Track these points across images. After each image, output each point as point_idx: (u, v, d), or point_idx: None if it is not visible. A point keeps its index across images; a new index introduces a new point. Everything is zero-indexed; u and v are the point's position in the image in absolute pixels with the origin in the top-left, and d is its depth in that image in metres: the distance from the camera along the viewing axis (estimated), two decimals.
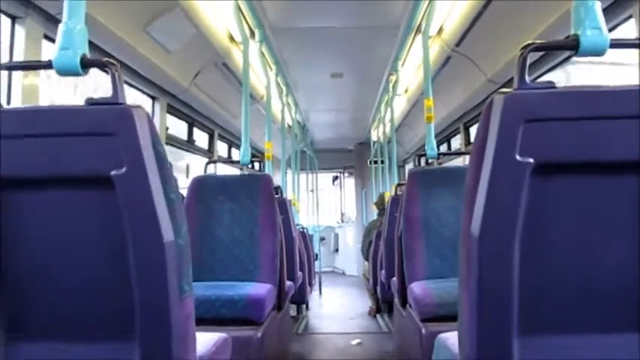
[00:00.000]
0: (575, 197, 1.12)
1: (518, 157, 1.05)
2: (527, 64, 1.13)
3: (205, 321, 2.31)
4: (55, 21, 2.51)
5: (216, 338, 1.58)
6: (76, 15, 1.24)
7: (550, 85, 1.10)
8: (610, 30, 2.48)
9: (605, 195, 1.12)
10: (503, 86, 3.96)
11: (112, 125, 1.11)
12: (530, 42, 1.14)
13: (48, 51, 2.59)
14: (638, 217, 1.11)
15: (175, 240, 1.18)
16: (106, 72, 1.19)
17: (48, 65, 1.21)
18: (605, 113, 1.07)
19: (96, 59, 1.24)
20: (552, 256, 1.14)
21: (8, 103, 2.39)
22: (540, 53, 3.21)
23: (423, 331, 2.39)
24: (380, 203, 6.46)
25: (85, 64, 1.22)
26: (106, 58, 1.21)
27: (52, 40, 2.60)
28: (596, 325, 1.16)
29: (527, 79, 1.12)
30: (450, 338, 1.45)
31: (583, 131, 1.07)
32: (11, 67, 1.88)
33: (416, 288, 2.60)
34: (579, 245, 1.14)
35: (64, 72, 1.22)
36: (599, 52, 1.14)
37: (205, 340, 1.52)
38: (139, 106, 1.15)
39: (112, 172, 1.10)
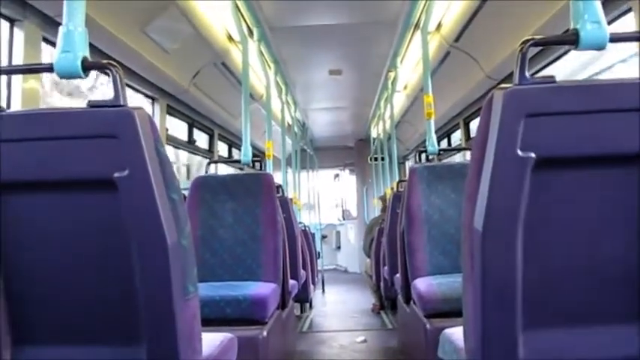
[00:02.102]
0: (576, 191, 1.12)
1: (519, 152, 1.06)
2: (527, 59, 1.13)
3: (210, 321, 2.31)
4: (53, 23, 2.50)
5: (222, 338, 1.59)
6: (76, 17, 1.23)
7: (550, 79, 1.10)
8: (609, 24, 2.48)
9: (607, 188, 1.12)
10: (502, 81, 3.96)
11: (114, 127, 1.12)
12: (529, 37, 1.14)
13: (47, 54, 2.59)
14: (638, 210, 1.11)
15: (179, 241, 1.18)
16: (107, 74, 1.19)
17: (49, 68, 1.21)
18: (605, 107, 1.07)
19: (97, 62, 1.24)
20: (555, 249, 1.14)
21: (8, 107, 2.39)
22: (539, 48, 3.21)
23: (428, 326, 2.39)
24: (383, 199, 6.46)
25: (86, 67, 1.22)
26: (107, 60, 1.21)
27: (51, 43, 2.60)
28: (600, 318, 1.17)
29: (527, 74, 1.12)
30: (455, 333, 1.46)
31: (584, 125, 1.08)
32: (12, 70, 1.87)
33: (419, 284, 2.60)
34: (582, 238, 1.14)
35: (65, 75, 1.21)
36: (599, 47, 1.14)
37: (211, 340, 1.52)
38: (140, 108, 1.16)
39: (115, 175, 1.10)
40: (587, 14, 1.12)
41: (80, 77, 1.22)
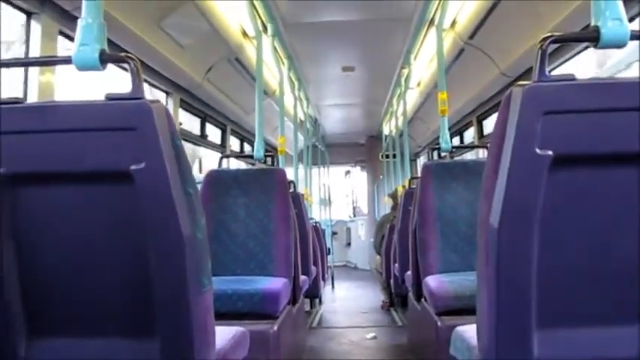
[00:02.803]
0: (594, 189, 1.11)
1: (537, 150, 1.05)
2: (547, 56, 1.12)
3: (221, 315, 2.32)
4: (70, 17, 2.52)
5: (234, 332, 1.59)
6: (94, 11, 1.24)
7: (570, 77, 1.09)
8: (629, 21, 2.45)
9: (624, 187, 1.11)
10: (517, 79, 3.93)
11: (132, 120, 1.12)
12: (549, 34, 1.13)
13: (64, 47, 2.61)
14: None
15: (194, 234, 1.18)
16: (125, 68, 1.20)
17: (67, 61, 1.23)
18: (624, 105, 1.06)
19: (115, 54, 1.25)
20: (571, 248, 1.14)
21: (25, 99, 2.40)
22: (555, 45, 3.18)
23: (439, 324, 2.39)
24: (394, 196, 6.45)
25: (104, 60, 1.23)
26: (124, 53, 1.22)
27: (68, 36, 2.62)
28: (616, 318, 1.16)
29: (547, 71, 1.11)
30: (468, 331, 1.45)
31: (602, 123, 1.07)
32: (30, 62, 1.89)
33: (431, 282, 2.59)
34: (598, 237, 1.13)
35: (83, 67, 1.23)
36: (620, 44, 1.13)
37: (224, 333, 1.53)
38: (157, 101, 1.16)
39: (132, 167, 1.11)
40: (608, 11, 1.11)
41: (98, 70, 1.23)
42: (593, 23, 1.13)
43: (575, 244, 1.14)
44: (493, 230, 1.09)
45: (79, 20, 1.24)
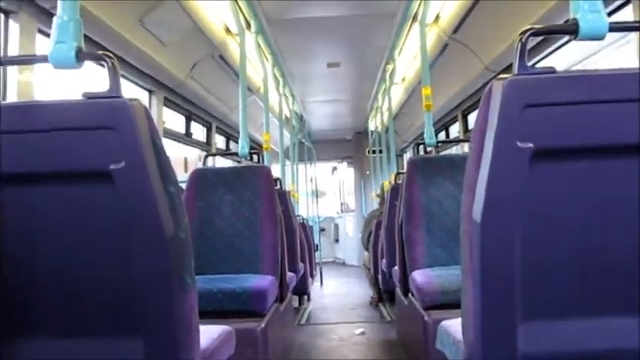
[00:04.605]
0: (575, 181, 1.12)
1: (518, 143, 1.05)
2: (527, 49, 1.12)
3: (208, 314, 2.31)
4: (49, 15, 2.49)
5: (220, 331, 1.59)
6: (70, 8, 1.23)
7: (550, 70, 1.10)
8: (609, 14, 2.47)
9: (605, 178, 1.12)
10: (501, 73, 3.95)
11: (111, 119, 1.11)
12: (529, 27, 1.13)
13: (43, 46, 2.57)
14: (638, 200, 1.11)
15: (176, 233, 1.17)
16: (102, 65, 1.18)
17: (44, 59, 1.21)
18: (605, 97, 1.07)
19: (92, 52, 1.24)
20: (554, 240, 1.14)
21: (4, 99, 2.37)
22: (538, 39, 3.20)
23: (426, 318, 2.40)
24: (382, 192, 6.46)
25: (81, 58, 1.21)
26: (102, 51, 1.20)
27: (47, 35, 2.58)
28: (599, 309, 1.16)
29: (527, 64, 1.11)
30: (454, 325, 1.46)
31: (583, 116, 1.07)
32: (6, 62, 1.86)
33: (418, 276, 2.60)
34: (580, 229, 1.14)
35: (59, 66, 1.21)
36: (598, 36, 1.14)
37: (209, 332, 1.52)
38: (136, 100, 1.15)
39: (111, 167, 1.09)
40: (587, 4, 1.12)
41: (75, 68, 1.21)
42: (572, 16, 1.14)
43: (557, 237, 1.14)
44: (476, 224, 1.09)
45: (54, 18, 1.22)
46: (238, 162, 5.88)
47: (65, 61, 1.20)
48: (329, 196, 11.77)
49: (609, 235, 1.14)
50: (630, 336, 1.15)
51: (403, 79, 6.46)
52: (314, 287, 6.78)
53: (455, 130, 5.97)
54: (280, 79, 6.07)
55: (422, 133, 3.66)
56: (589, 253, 1.14)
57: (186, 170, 6.10)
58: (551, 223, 1.14)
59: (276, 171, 5.29)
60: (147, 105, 4.04)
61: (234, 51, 4.48)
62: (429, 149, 3.59)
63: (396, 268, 3.34)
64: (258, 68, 5.28)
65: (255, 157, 3.69)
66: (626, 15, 2.49)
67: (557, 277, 1.16)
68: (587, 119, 1.07)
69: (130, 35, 3.14)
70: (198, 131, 5.48)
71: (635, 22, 1.21)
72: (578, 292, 1.17)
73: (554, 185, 1.12)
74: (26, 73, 2.46)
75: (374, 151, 8.68)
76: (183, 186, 3.11)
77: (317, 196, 10.03)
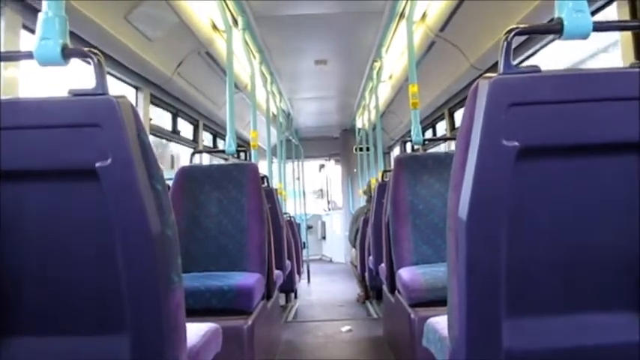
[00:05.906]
0: (560, 179, 1.13)
1: (504, 142, 1.06)
2: (512, 48, 1.13)
3: (195, 312, 2.31)
4: (33, 10, 2.46)
5: (207, 328, 1.58)
6: (55, 4, 1.21)
7: (535, 69, 1.11)
8: (592, 14, 2.49)
9: (590, 176, 1.13)
10: (487, 71, 3.98)
11: (97, 116, 1.10)
12: (514, 26, 1.14)
13: (27, 42, 2.54)
14: (621, 198, 1.12)
15: (163, 231, 1.17)
16: (88, 62, 1.17)
17: (29, 55, 1.19)
18: (589, 96, 1.08)
19: (77, 49, 1.22)
20: (539, 237, 1.15)
21: None
22: (524, 38, 3.22)
23: (413, 316, 2.41)
24: (368, 190, 6.47)
25: (67, 54, 1.20)
26: (88, 48, 1.19)
27: (31, 31, 2.55)
28: (582, 306, 1.18)
29: (512, 63, 1.12)
30: (440, 322, 1.47)
31: (568, 114, 1.08)
32: None
33: (404, 274, 2.61)
34: (564, 226, 1.15)
35: (45, 62, 1.20)
36: (583, 35, 1.15)
37: (195, 330, 1.52)
38: (123, 97, 1.14)
39: (97, 164, 1.09)
40: (571, 3, 1.13)
41: (61, 64, 1.20)
42: (557, 15, 1.15)
43: (542, 234, 1.16)
44: (462, 222, 1.10)
45: (39, 14, 1.21)
46: (225, 159, 5.86)
47: (51, 57, 1.19)
48: (312, 197, 11.74)
49: (593, 233, 1.15)
50: (613, 332, 1.17)
51: (390, 77, 6.48)
52: (301, 285, 6.78)
53: (442, 127, 6.00)
54: (268, 77, 6.06)
55: (409, 131, 3.67)
56: (573, 250, 1.16)
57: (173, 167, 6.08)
58: (537, 221, 1.15)
59: (263, 168, 5.28)
60: (133, 102, 4.03)
61: (222, 48, 4.46)
62: (416, 147, 3.60)
63: (383, 265, 3.35)
64: (245, 65, 5.27)
65: (242, 154, 3.68)
66: (609, 14, 2.53)
67: (542, 274, 1.17)
68: (572, 118, 1.08)
69: (115, 31, 3.11)
70: (186, 129, 5.45)
71: (619, 21, 1.22)
72: (562, 289, 1.18)
73: (539, 183, 1.13)
74: (11, 69, 2.43)
75: (361, 149, 8.70)
76: (170, 183, 3.09)
77: (304, 194, 10.04)
